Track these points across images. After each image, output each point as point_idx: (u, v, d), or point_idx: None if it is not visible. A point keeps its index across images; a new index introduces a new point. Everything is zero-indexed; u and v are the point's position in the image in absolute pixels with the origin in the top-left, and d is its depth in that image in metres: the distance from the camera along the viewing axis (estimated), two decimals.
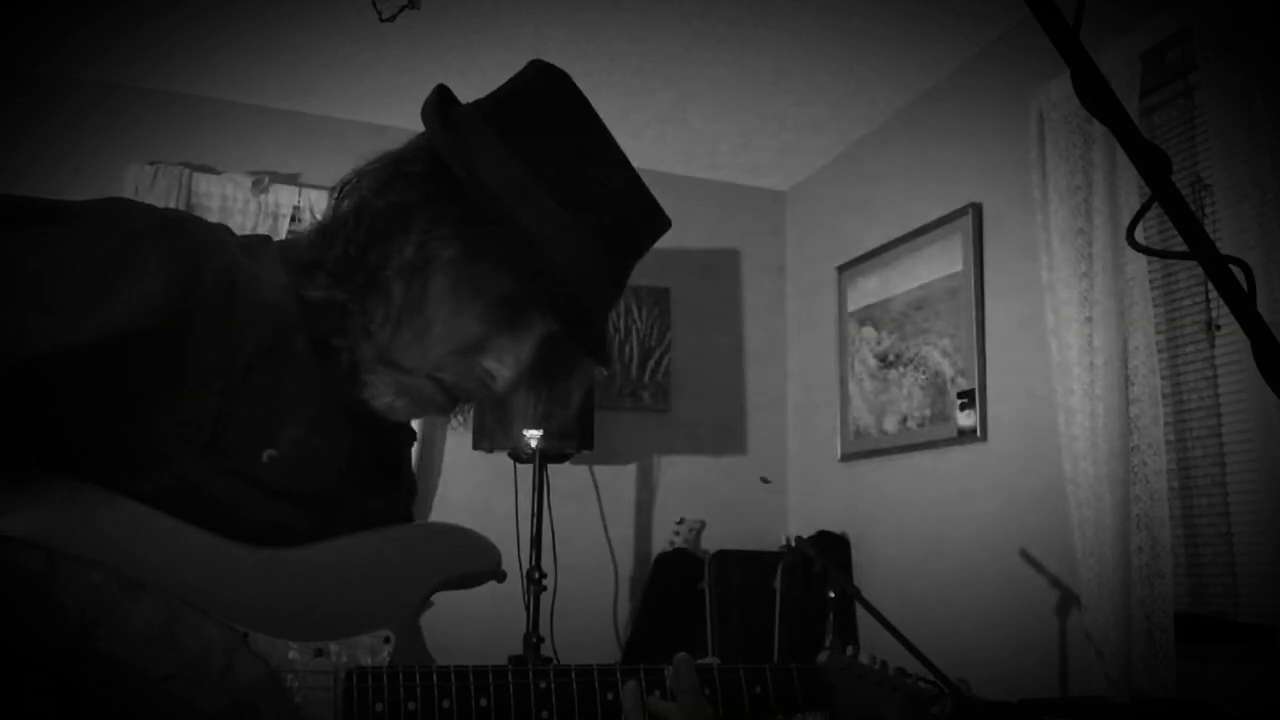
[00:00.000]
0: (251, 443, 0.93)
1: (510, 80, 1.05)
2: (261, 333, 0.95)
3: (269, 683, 0.88)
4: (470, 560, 1.04)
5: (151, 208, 0.95)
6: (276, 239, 1.05)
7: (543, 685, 1.00)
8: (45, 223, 0.87)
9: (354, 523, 1.00)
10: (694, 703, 1.04)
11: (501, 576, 1.04)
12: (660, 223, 1.05)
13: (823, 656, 1.17)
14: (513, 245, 0.94)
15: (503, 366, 0.98)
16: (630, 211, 1.03)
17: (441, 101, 1.01)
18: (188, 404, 0.90)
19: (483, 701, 0.97)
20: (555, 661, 3.14)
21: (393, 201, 0.95)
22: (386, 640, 0.97)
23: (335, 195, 1.00)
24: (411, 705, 0.94)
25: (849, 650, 1.17)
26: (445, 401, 1.00)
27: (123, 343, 0.85)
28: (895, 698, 1.15)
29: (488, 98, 1.03)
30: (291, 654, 0.92)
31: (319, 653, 0.94)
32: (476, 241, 0.94)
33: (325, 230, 0.99)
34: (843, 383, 4.10)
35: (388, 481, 1.11)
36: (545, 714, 0.99)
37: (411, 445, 1.18)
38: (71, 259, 0.86)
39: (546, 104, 1.02)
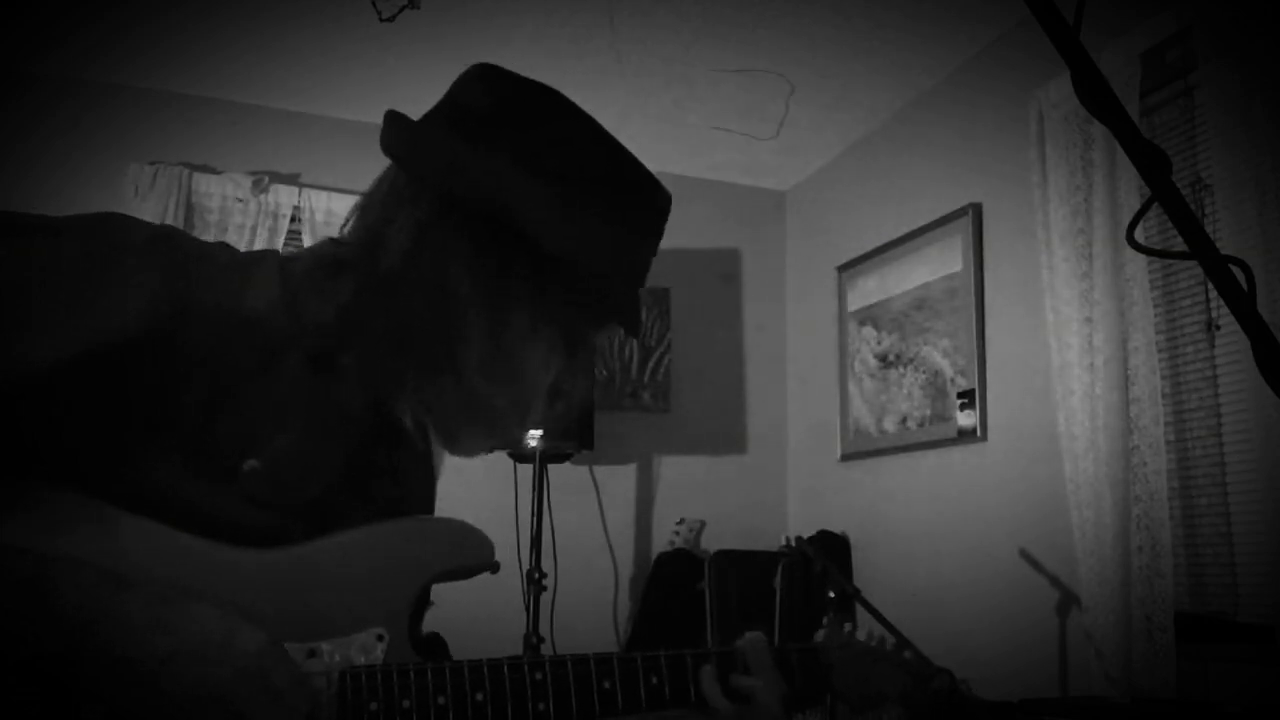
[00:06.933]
0: (233, 454, 0.92)
1: (467, 91, 1.03)
2: (249, 346, 0.94)
3: (272, 649, 0.88)
4: (462, 552, 1.03)
5: (142, 222, 0.95)
6: (278, 249, 1.06)
7: (539, 676, 0.99)
8: (33, 235, 0.87)
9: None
10: (774, 678, 1.08)
11: (495, 567, 1.03)
12: (664, 197, 1.07)
13: (820, 635, 1.17)
14: (574, 284, 0.99)
15: (577, 379, 1.05)
16: (643, 198, 1.05)
17: (429, 135, 1.00)
18: (170, 415, 0.89)
19: (479, 696, 0.96)
20: None
21: (442, 269, 0.96)
22: (380, 638, 0.96)
23: (365, 251, 0.98)
24: (406, 703, 0.94)
25: (847, 628, 1.17)
26: (533, 427, 1.06)
27: (106, 354, 0.85)
28: (896, 674, 1.15)
29: (468, 113, 1.01)
30: None
31: (311, 654, 0.93)
32: (542, 297, 0.98)
33: (386, 306, 0.97)
34: (843, 383, 4.10)
35: (390, 489, 1.10)
36: (542, 705, 0.98)
37: (411, 450, 1.17)
38: (60, 271, 0.86)
39: (534, 113, 1.00)
